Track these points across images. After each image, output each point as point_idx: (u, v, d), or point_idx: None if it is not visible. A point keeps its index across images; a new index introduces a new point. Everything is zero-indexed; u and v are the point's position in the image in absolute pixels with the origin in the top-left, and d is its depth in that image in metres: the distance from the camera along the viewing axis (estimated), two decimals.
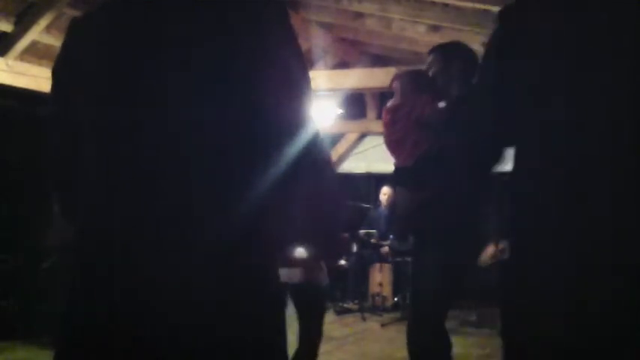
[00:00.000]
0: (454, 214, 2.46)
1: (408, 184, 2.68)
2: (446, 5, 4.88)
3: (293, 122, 1.17)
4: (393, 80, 2.86)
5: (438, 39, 5.26)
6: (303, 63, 1.21)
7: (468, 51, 2.74)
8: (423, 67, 2.79)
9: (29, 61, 5.27)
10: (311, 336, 2.98)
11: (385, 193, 7.43)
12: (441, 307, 2.62)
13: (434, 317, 2.58)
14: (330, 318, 6.66)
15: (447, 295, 2.62)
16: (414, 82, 2.78)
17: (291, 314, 2.92)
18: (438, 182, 2.49)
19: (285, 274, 2.79)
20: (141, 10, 1.16)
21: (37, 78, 4.99)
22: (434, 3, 4.94)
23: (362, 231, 7.46)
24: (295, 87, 1.17)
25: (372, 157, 7.97)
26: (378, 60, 6.79)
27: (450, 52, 2.69)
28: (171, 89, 1.10)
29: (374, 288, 7.13)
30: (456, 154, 1.40)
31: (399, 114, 2.74)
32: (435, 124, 2.59)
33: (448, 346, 2.59)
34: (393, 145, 2.76)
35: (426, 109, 2.65)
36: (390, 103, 2.82)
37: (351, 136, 8.23)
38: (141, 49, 1.13)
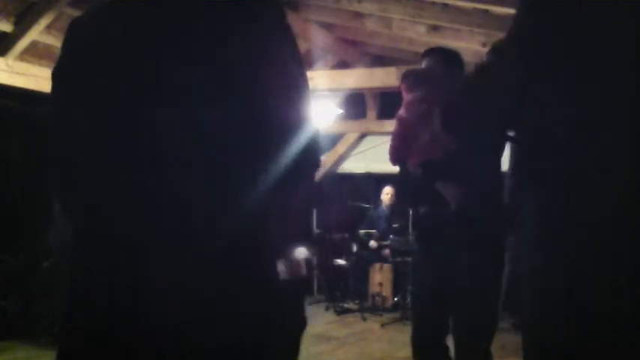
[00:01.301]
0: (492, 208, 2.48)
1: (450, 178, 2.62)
2: (446, 5, 4.88)
3: (292, 122, 1.17)
4: (402, 79, 2.79)
5: (438, 39, 5.27)
6: (302, 63, 1.21)
7: (458, 55, 2.77)
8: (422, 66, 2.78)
9: (29, 61, 5.27)
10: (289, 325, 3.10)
11: (388, 192, 7.42)
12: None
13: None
14: (330, 318, 6.66)
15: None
16: (429, 79, 2.74)
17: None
18: (479, 175, 2.49)
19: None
20: (140, 12, 1.16)
21: (37, 78, 4.99)
22: (434, 3, 4.94)
23: (362, 231, 7.47)
24: (294, 87, 1.18)
25: (372, 157, 7.96)
26: (378, 60, 6.79)
27: (447, 55, 2.71)
28: (171, 89, 1.10)
29: (374, 288, 7.13)
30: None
31: (422, 107, 2.64)
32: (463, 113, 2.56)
33: None
34: (408, 142, 2.67)
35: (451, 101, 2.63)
36: (409, 97, 2.72)
37: (351, 136, 8.23)
38: (140, 50, 1.13)
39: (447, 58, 2.72)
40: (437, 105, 2.60)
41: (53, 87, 1.26)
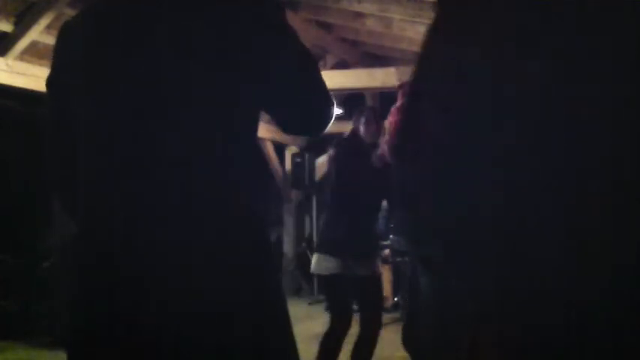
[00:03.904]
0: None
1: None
2: None
3: (295, 120, 1.18)
4: (398, 88, 2.90)
5: None
6: (307, 57, 1.21)
7: None
8: None
9: (29, 61, 5.27)
10: (372, 324, 3.29)
11: None
12: None
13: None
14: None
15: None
16: None
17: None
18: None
19: (352, 268, 3.11)
20: (136, 10, 1.15)
21: (37, 78, 4.98)
22: (434, 3, 4.94)
23: None
24: (299, 83, 1.18)
25: None
26: (378, 60, 6.79)
27: None
28: (169, 89, 1.10)
29: None
30: None
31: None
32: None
33: None
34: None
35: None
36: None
37: None
38: (137, 49, 1.13)
39: None
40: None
41: (48, 88, 1.26)
